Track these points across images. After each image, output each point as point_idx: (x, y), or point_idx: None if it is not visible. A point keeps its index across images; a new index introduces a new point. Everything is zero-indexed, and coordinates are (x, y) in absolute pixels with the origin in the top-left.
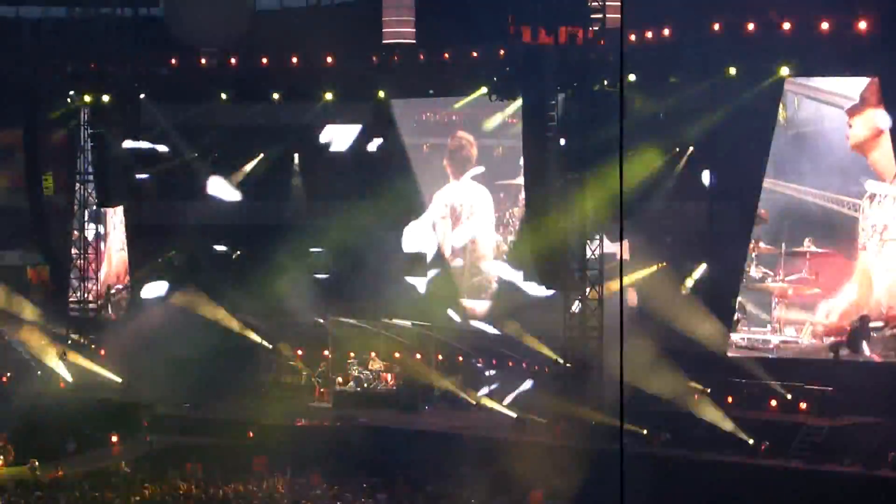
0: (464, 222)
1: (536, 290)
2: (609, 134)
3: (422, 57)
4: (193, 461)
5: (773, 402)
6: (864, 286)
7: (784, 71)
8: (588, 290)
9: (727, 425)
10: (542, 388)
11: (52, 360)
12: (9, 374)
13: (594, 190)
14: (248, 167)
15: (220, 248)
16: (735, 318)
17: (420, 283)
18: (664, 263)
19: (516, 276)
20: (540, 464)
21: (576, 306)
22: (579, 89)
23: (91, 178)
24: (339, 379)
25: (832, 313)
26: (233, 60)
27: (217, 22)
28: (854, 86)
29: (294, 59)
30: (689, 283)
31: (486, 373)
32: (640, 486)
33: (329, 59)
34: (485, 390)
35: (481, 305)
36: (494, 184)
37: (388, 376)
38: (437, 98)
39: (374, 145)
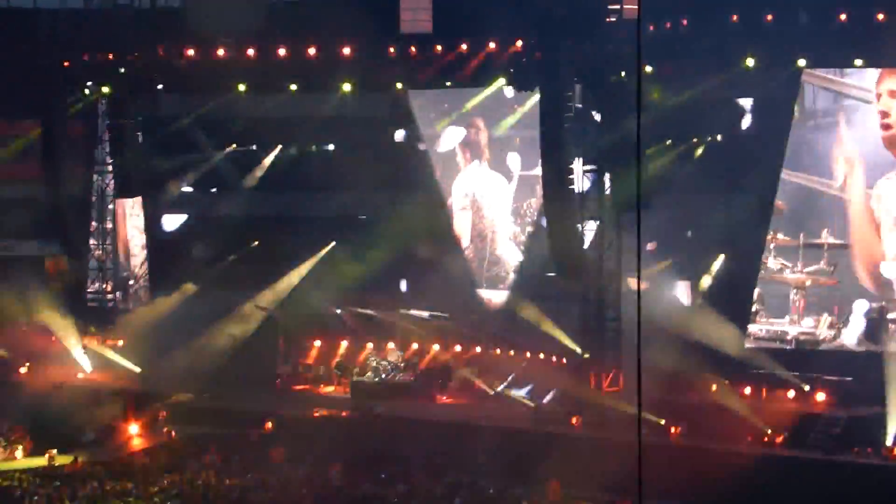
0: (481, 211)
1: (554, 280)
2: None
3: (439, 48)
4: (212, 451)
5: (792, 393)
6: (880, 277)
7: (801, 62)
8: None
9: (745, 416)
10: (560, 378)
11: (71, 351)
12: (27, 365)
13: (614, 181)
14: (267, 160)
15: (238, 239)
16: (754, 309)
17: (441, 273)
18: (682, 254)
19: (533, 266)
20: (557, 453)
21: (594, 297)
22: (597, 81)
23: (109, 169)
24: (357, 369)
25: (850, 304)
26: (250, 51)
27: (234, 13)
28: (871, 78)
29: (311, 50)
30: (707, 280)
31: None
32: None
33: (346, 51)
34: (502, 381)
35: (499, 295)
36: (512, 174)
37: (406, 367)
38: (454, 89)
39: (398, 136)
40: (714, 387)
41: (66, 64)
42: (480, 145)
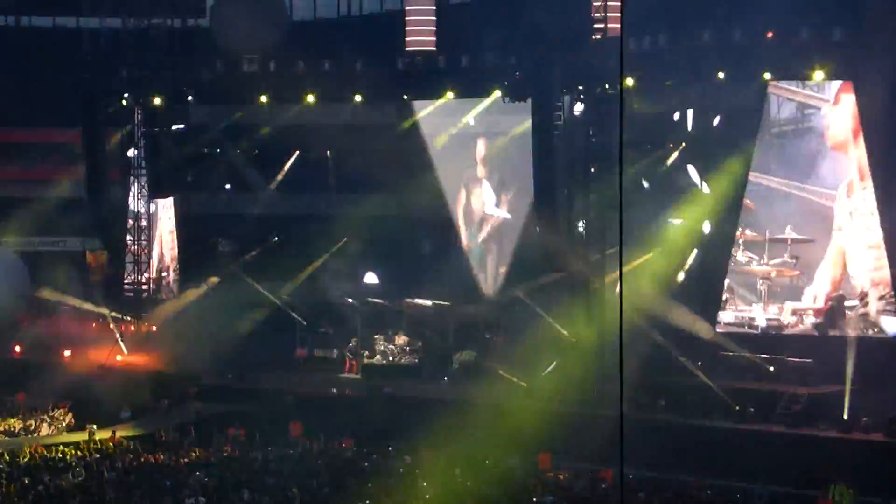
0: (480, 209)
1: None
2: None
3: (441, 62)
4: (236, 427)
5: (758, 374)
6: (839, 268)
7: (767, 75)
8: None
9: (716, 394)
10: (552, 360)
11: (109, 336)
12: (70, 349)
13: (599, 182)
14: (287, 165)
15: (260, 235)
16: (724, 297)
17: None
18: (659, 249)
19: (531, 260)
20: (549, 428)
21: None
22: (583, 92)
23: (144, 172)
24: (367, 353)
25: (810, 293)
26: (271, 66)
27: (257, 31)
28: (831, 89)
29: (326, 65)
30: (681, 276)
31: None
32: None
33: (358, 65)
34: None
35: (494, 285)
36: (508, 179)
37: (411, 350)
38: (455, 100)
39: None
40: (688, 367)
41: (105, 78)
42: (480, 153)
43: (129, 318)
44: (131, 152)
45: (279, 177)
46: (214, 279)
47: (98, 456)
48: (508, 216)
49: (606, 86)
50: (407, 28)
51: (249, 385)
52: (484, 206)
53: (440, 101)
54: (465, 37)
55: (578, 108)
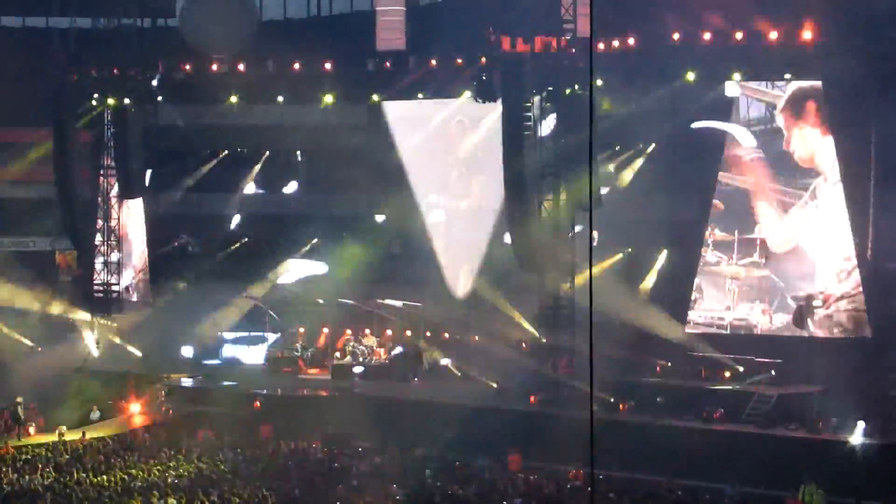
0: (451, 210)
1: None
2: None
3: (411, 63)
4: (206, 428)
5: (727, 374)
6: (809, 268)
7: (736, 76)
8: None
9: (685, 394)
10: (521, 361)
11: (79, 337)
12: (40, 349)
13: (569, 182)
14: (257, 165)
15: (230, 236)
16: (693, 297)
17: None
18: (630, 249)
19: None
20: (518, 429)
21: (551, 287)
22: (553, 93)
23: (114, 172)
24: (337, 354)
25: (779, 294)
26: (241, 66)
27: (227, 31)
28: (799, 91)
29: (296, 65)
30: (651, 279)
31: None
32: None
33: (328, 66)
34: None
35: (466, 285)
36: (478, 179)
37: (381, 351)
38: (425, 100)
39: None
40: (657, 368)
41: (75, 78)
42: (451, 153)
43: (98, 319)
44: (101, 152)
45: (249, 177)
46: (184, 279)
47: (67, 457)
48: (479, 216)
49: (577, 86)
50: (377, 28)
51: (219, 386)
52: (454, 205)
53: (411, 102)
54: (435, 37)
55: (548, 108)
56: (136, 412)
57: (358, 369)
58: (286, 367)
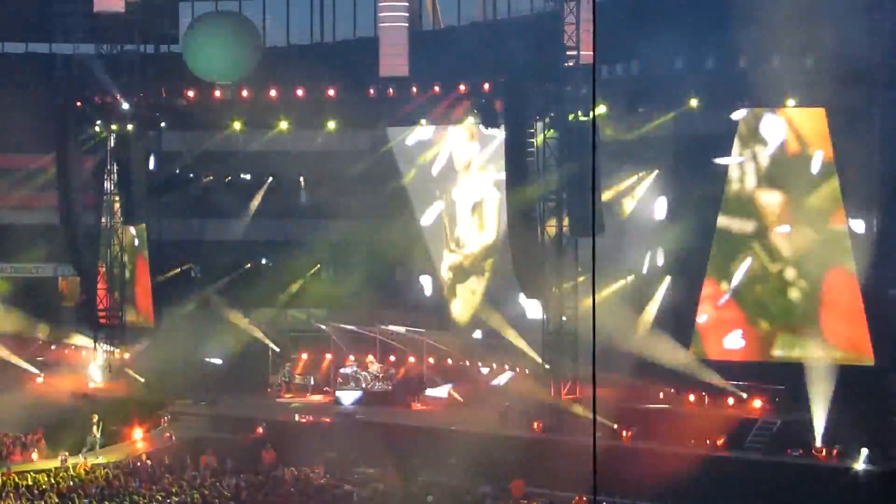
0: (453, 236)
1: (522, 298)
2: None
3: (415, 89)
4: (208, 454)
5: (731, 400)
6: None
7: (739, 103)
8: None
9: (689, 420)
10: (524, 386)
11: (83, 363)
12: (43, 375)
13: (570, 209)
14: (260, 192)
15: (233, 261)
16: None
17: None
18: (633, 276)
19: (504, 287)
20: (521, 455)
21: (554, 313)
22: (556, 119)
23: (117, 199)
24: (340, 380)
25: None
26: (244, 92)
27: (230, 61)
28: (808, 119)
29: (299, 91)
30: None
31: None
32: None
33: (331, 92)
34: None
35: (468, 312)
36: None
37: (384, 377)
38: (428, 126)
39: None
40: (661, 395)
41: (78, 104)
42: (452, 179)
43: (102, 345)
44: (104, 179)
45: (252, 203)
46: (188, 305)
47: (70, 483)
48: (482, 243)
49: (579, 113)
50: (380, 55)
51: (222, 412)
52: (457, 232)
53: (414, 128)
54: (438, 64)
55: (551, 134)
56: (138, 438)
57: (359, 395)
58: (288, 393)
